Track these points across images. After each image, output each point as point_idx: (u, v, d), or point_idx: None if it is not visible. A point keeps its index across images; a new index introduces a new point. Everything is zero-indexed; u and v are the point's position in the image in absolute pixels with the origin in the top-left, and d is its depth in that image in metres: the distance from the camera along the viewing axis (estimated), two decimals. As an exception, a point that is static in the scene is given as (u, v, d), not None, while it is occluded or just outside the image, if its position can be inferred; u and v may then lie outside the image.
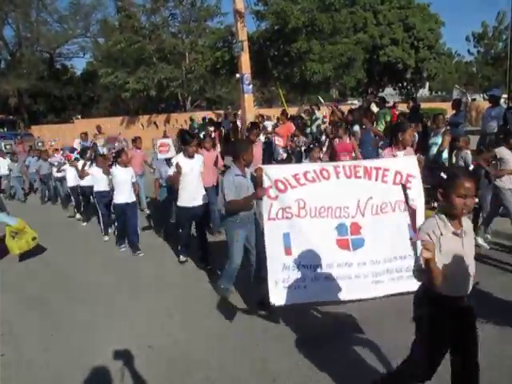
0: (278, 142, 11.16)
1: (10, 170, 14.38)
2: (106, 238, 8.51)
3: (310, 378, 3.72)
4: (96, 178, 8.35)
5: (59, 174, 11.53)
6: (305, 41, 15.65)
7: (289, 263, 4.58)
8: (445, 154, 8.54)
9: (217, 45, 18.38)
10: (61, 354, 4.41)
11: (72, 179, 9.96)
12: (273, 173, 4.71)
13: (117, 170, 7.38)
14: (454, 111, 10.57)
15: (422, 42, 29.38)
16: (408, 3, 30.06)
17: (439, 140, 8.52)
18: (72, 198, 10.50)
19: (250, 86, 14.56)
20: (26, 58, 33.01)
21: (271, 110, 25.23)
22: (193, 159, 6.45)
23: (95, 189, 8.45)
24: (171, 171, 6.61)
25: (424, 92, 47.84)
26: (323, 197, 4.67)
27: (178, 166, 6.18)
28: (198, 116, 23.26)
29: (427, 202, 4.97)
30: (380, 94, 22.57)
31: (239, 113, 16.89)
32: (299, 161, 11.87)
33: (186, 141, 6.35)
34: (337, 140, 7.93)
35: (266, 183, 4.63)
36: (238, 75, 14.77)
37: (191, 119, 22.55)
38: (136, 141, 10.60)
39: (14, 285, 6.34)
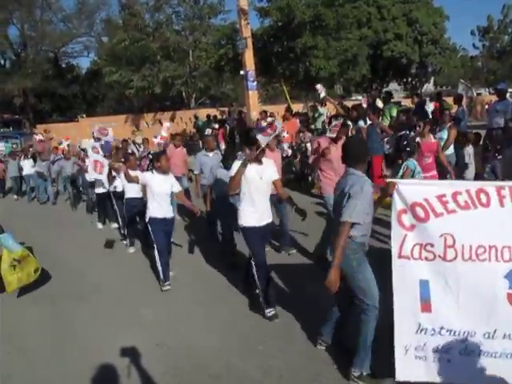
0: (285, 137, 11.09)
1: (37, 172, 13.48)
2: (132, 249, 7.59)
3: (318, 374, 3.74)
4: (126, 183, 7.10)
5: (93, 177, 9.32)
6: (310, 36, 15.58)
7: (426, 324, 3.33)
8: (450, 150, 8.51)
9: (221, 42, 18.36)
10: (69, 352, 4.44)
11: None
12: (410, 191, 3.40)
13: (153, 177, 5.86)
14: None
15: (426, 37, 29.15)
16: (412, -3, 29.86)
17: (445, 135, 8.49)
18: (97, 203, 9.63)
19: (255, 83, 14.57)
20: (30, 58, 33.11)
21: (275, 107, 25.16)
22: (260, 165, 4.70)
23: (126, 195, 7.46)
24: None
25: (429, 87, 47.58)
26: (482, 231, 3.27)
27: (239, 172, 4.52)
28: (203, 113, 23.24)
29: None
30: (385, 90, 22.44)
31: (244, 110, 16.87)
32: (305, 157, 11.94)
33: (251, 142, 4.64)
34: (420, 139, 7.15)
35: (399, 205, 3.40)
36: (242, 72, 14.76)
37: (195, 117, 22.56)
38: (175, 138, 9.69)
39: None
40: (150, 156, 9.36)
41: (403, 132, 8.90)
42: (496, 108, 9.58)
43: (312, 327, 4.37)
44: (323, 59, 15.85)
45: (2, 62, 35.08)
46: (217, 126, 17.33)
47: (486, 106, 26.40)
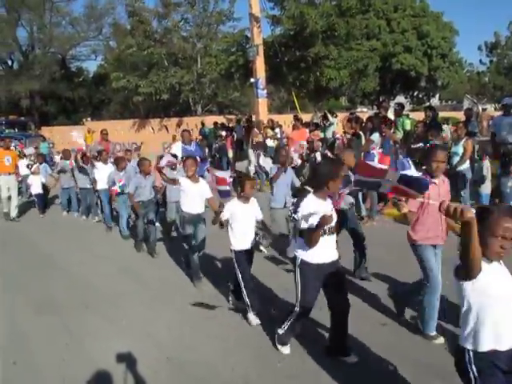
0: (297, 148, 11.03)
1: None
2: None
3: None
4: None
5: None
6: (322, 46, 15.49)
7: None
8: (466, 164, 8.33)
9: (231, 49, 18.28)
10: (74, 363, 4.24)
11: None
12: None
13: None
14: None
15: (436, 51, 29.16)
16: (422, 11, 29.90)
17: (460, 150, 8.32)
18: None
19: (264, 91, 14.47)
20: (38, 60, 33.15)
21: (281, 117, 25.08)
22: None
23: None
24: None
25: (434, 101, 47.56)
26: None
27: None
28: (209, 120, 23.13)
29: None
30: (395, 102, 22.30)
31: (253, 117, 16.74)
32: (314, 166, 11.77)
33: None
34: None
35: None
36: (252, 80, 14.66)
37: (202, 124, 22.43)
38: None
39: (29, 291, 6.18)
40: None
41: (419, 145, 8.71)
42: (502, 122, 9.26)
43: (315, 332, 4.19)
44: (334, 69, 15.76)
45: (10, 63, 35.14)
46: (224, 133, 17.20)
47: (490, 122, 26.32)
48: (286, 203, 6.62)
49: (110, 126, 19.77)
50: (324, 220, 3.55)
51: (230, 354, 4.27)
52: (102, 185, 9.34)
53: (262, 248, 6.71)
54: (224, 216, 4.89)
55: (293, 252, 5.27)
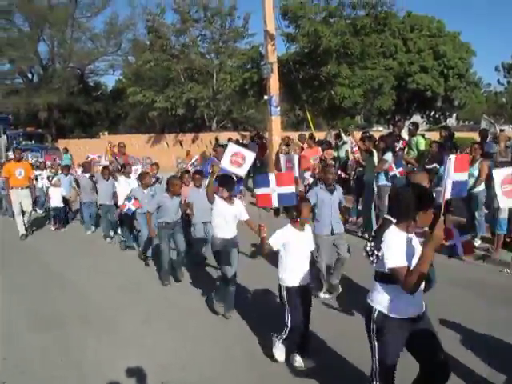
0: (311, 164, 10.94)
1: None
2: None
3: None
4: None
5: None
6: (335, 64, 15.46)
7: None
8: (482, 186, 8.12)
9: (246, 65, 18.36)
10: (70, 380, 4.14)
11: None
12: None
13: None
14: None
15: (453, 71, 29.03)
16: (439, 31, 29.85)
17: (476, 171, 8.12)
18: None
19: (278, 109, 14.39)
20: (57, 74, 33.74)
21: (296, 134, 25.01)
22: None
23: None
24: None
25: (451, 121, 47.16)
26: None
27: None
28: (224, 136, 23.15)
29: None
30: (411, 121, 22.12)
31: (266, 135, 16.70)
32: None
33: None
34: None
35: None
36: (265, 97, 14.62)
37: (216, 139, 22.46)
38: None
39: (30, 306, 6.11)
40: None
41: (433, 165, 8.53)
42: None
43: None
44: (348, 88, 15.68)
45: (30, 76, 35.80)
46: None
47: (508, 143, 26.01)
48: (333, 229, 5.92)
49: (126, 140, 19.83)
50: (426, 259, 2.75)
51: (232, 376, 4.12)
52: (122, 200, 8.78)
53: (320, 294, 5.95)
54: (275, 245, 4.16)
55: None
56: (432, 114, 33.82)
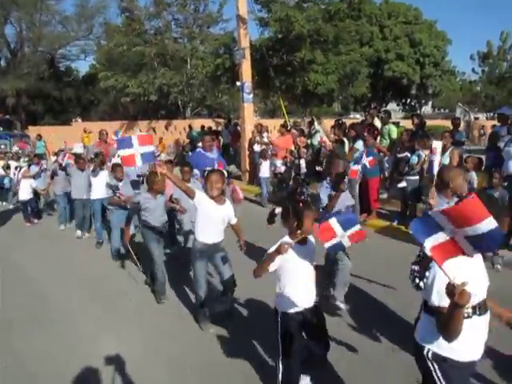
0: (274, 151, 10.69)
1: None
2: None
3: None
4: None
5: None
6: (308, 50, 15.17)
7: None
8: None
9: (218, 51, 17.93)
10: None
11: None
12: None
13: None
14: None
15: (428, 59, 29.12)
16: (415, 19, 29.84)
17: (446, 160, 8.01)
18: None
19: (251, 95, 14.07)
20: (26, 58, 32.64)
21: (273, 121, 24.80)
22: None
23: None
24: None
25: (427, 109, 47.56)
26: None
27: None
28: (198, 124, 22.79)
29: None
30: (384, 109, 22.07)
31: (239, 122, 16.40)
32: (298, 174, 11.47)
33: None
34: None
35: None
36: (238, 83, 14.28)
37: (190, 127, 22.09)
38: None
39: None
40: None
41: (404, 154, 8.38)
42: (500, 133, 8.98)
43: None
44: (321, 74, 15.44)
45: (-2, 60, 34.60)
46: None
47: (481, 131, 26.35)
48: None
49: (98, 127, 19.32)
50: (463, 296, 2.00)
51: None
52: (96, 194, 8.04)
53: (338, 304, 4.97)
54: (271, 267, 3.21)
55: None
56: (408, 101, 33.94)
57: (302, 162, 11.90)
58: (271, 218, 3.89)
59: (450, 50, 31.31)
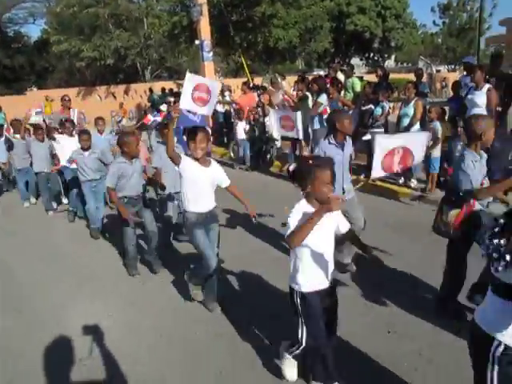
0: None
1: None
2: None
3: None
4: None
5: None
6: (269, 5, 14.73)
7: None
8: (417, 126, 8.01)
9: (174, 9, 17.20)
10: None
11: None
12: None
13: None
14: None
15: (390, 11, 28.84)
16: (375, -30, 29.31)
17: (411, 111, 7.97)
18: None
19: (211, 54, 13.64)
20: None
21: (236, 81, 24.29)
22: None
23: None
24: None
25: (390, 63, 47.54)
26: None
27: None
28: (159, 86, 22.08)
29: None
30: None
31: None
32: (263, 133, 11.27)
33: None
34: None
35: None
36: (197, 42, 13.79)
37: (150, 90, 21.43)
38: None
39: None
40: None
41: (368, 106, 8.30)
42: (465, 82, 8.93)
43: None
44: (282, 29, 15.07)
45: None
46: (172, 99, 16.33)
47: (443, 83, 26.56)
48: (344, 193, 4.61)
49: (55, 95, 18.41)
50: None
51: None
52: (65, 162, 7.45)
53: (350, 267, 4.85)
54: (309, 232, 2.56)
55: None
56: (371, 56, 33.76)
57: (267, 120, 11.69)
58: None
59: (410, 2, 31.05)
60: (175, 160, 3.93)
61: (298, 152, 9.86)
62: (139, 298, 4.72)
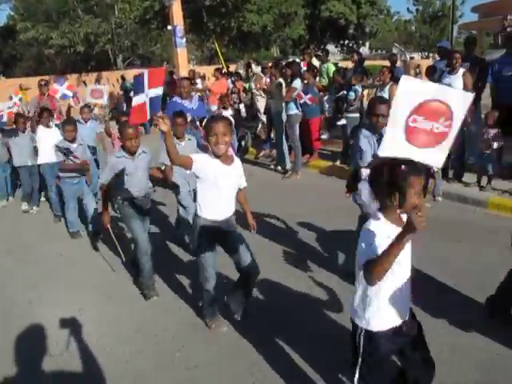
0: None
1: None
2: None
3: None
4: None
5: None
6: (242, -11, 14.50)
7: None
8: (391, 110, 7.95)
9: (146, -7, 16.78)
10: None
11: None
12: None
13: None
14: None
15: (365, -3, 28.70)
16: (350, -45, 29.08)
17: (386, 95, 7.90)
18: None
19: (183, 40, 13.37)
20: None
21: (210, 68, 23.94)
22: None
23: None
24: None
25: (364, 50, 47.65)
26: None
27: None
28: (131, 74, 21.57)
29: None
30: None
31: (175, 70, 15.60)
32: (240, 122, 11.09)
33: None
34: None
35: None
36: (169, 27, 13.46)
37: (122, 78, 20.91)
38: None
39: None
40: None
41: (341, 93, 8.23)
42: (440, 66, 8.91)
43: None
44: (256, 14, 14.83)
45: None
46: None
47: (417, 70, 26.72)
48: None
49: (23, 83, 17.77)
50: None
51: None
52: (45, 158, 6.53)
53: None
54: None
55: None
56: (345, 43, 33.67)
57: (242, 107, 11.54)
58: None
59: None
60: (185, 165, 3.14)
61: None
62: (116, 291, 4.57)
